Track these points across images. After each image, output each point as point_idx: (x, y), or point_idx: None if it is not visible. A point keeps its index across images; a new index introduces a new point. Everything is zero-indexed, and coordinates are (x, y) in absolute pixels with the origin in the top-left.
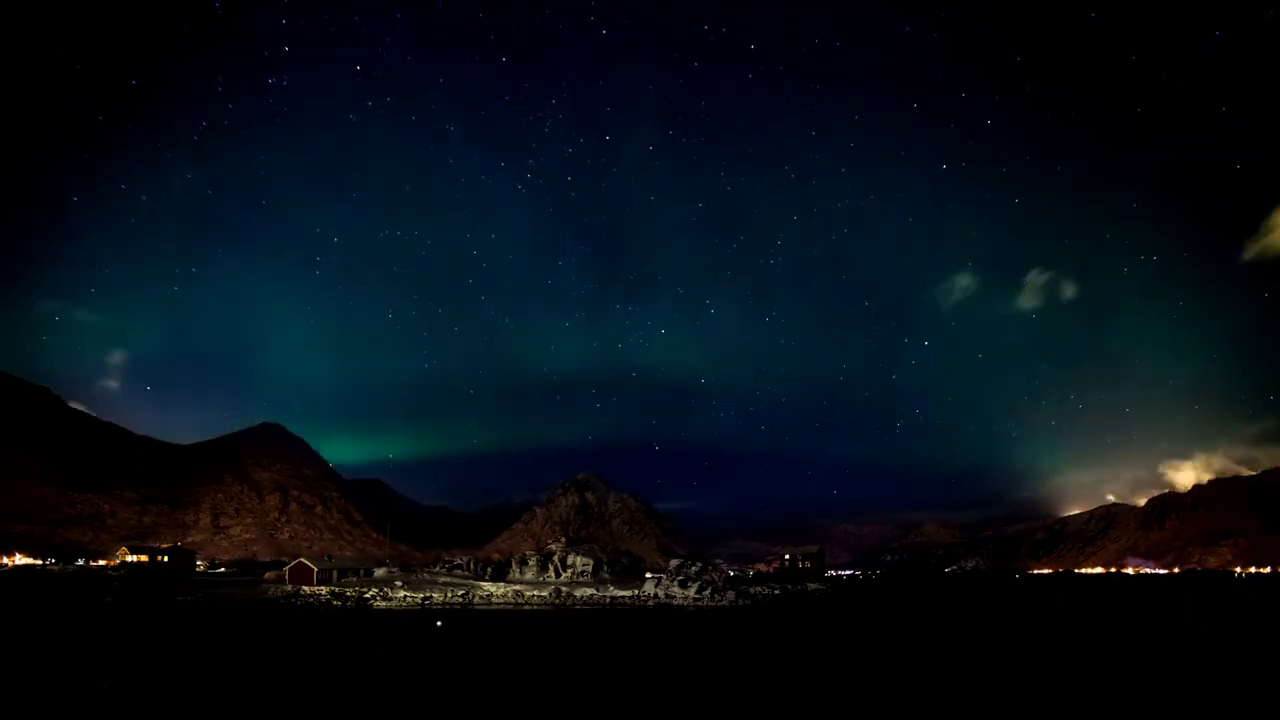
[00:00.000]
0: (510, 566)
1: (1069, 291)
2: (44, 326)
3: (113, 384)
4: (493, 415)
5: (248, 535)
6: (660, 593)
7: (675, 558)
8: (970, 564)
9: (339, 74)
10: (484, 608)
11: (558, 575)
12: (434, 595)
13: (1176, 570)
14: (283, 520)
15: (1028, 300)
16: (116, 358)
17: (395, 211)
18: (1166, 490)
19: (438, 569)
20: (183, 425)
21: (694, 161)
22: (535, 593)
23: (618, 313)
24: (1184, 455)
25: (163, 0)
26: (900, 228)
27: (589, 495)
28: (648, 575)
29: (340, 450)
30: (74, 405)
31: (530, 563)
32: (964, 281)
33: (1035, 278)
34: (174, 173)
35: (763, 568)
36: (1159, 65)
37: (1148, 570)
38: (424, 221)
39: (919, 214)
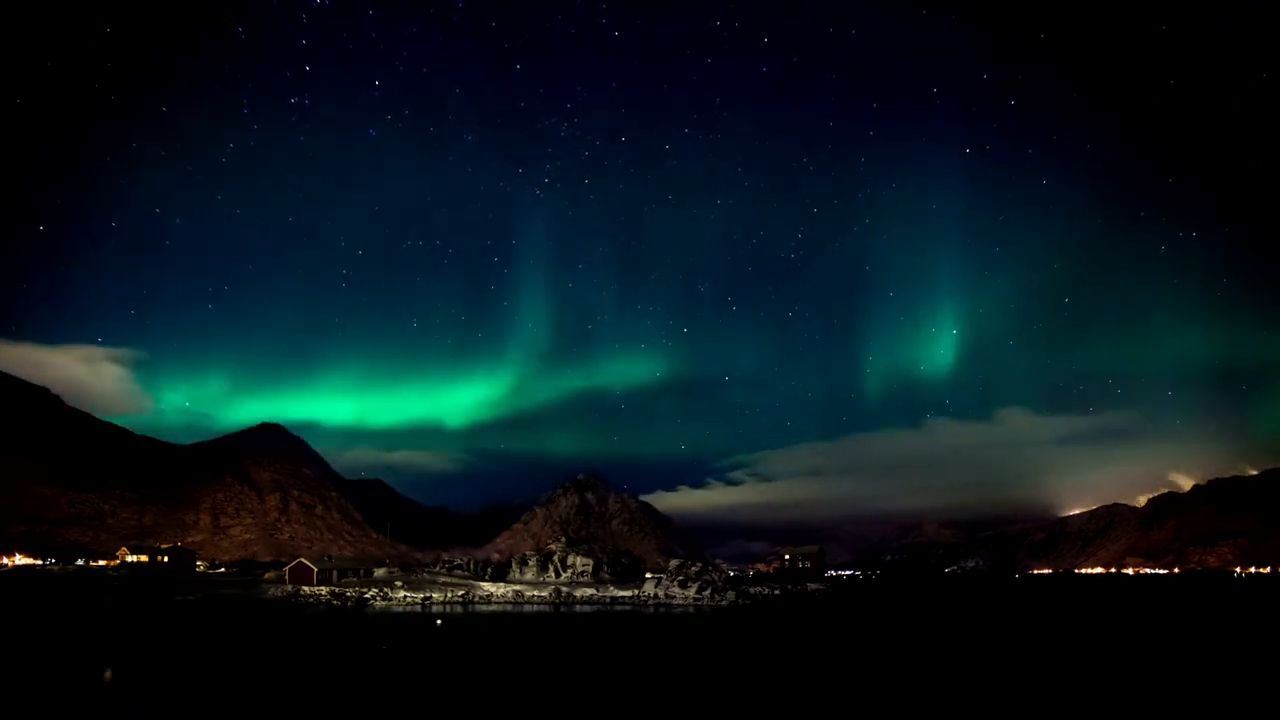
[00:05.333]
0: (510, 566)
1: (1097, 279)
2: (82, 352)
3: (118, 387)
4: (515, 419)
5: (248, 535)
6: (660, 593)
7: (675, 558)
8: (970, 564)
9: (358, 90)
10: (485, 609)
11: (558, 575)
12: (434, 595)
13: (1176, 570)
14: (283, 520)
15: (1055, 290)
16: (131, 364)
17: (417, 222)
18: (1166, 490)
19: (438, 569)
20: (183, 425)
21: (710, 158)
22: (535, 593)
23: (639, 312)
24: (1184, 455)
25: (188, 28)
26: (924, 216)
27: (589, 495)
28: (648, 575)
29: (351, 455)
30: (73, 406)
31: (530, 563)
32: (992, 268)
33: (1064, 265)
34: (204, 195)
35: (763, 568)
36: (1191, 34)
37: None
38: (445, 230)
39: (942, 201)
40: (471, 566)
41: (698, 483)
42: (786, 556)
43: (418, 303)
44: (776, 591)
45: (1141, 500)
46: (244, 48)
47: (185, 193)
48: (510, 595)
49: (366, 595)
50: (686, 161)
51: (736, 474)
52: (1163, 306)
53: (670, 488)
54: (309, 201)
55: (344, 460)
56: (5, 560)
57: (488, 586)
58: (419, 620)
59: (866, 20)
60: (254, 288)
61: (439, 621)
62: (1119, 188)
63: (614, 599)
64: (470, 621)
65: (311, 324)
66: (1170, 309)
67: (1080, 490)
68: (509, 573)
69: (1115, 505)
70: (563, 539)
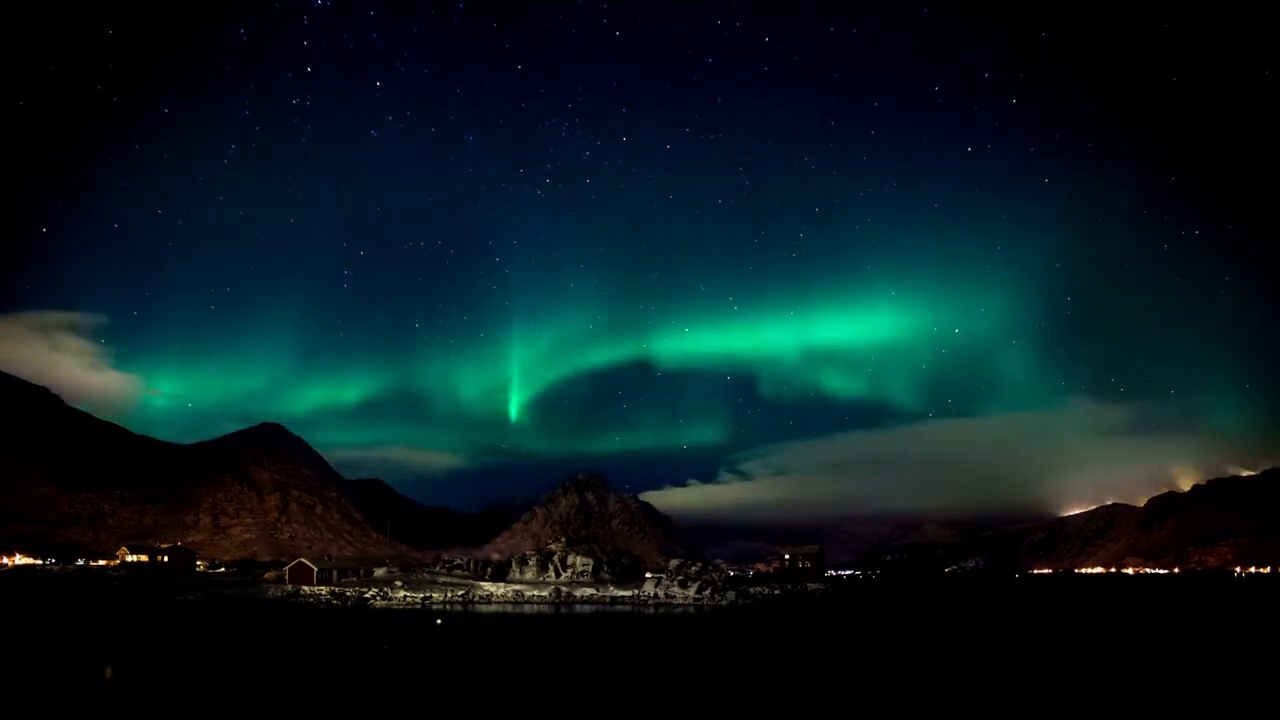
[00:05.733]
0: (510, 566)
1: (1099, 279)
2: (81, 352)
3: (119, 388)
4: (516, 418)
5: (248, 535)
6: (660, 593)
7: (675, 557)
8: (970, 564)
9: (359, 91)
10: (485, 608)
11: (558, 575)
12: (434, 595)
13: (1176, 570)
14: (283, 520)
15: (1055, 289)
16: (131, 364)
17: (417, 222)
18: (1166, 490)
19: (438, 569)
20: (183, 425)
21: (712, 158)
22: (535, 593)
23: (640, 312)
24: (1184, 455)
25: (189, 29)
26: (926, 214)
27: (589, 495)
28: (648, 575)
29: (351, 454)
30: (74, 406)
31: (530, 563)
32: (992, 267)
33: (1065, 264)
34: (205, 195)
35: (763, 568)
36: (1192, 33)
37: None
38: (445, 230)
39: (945, 199)
40: (471, 566)
41: (709, 478)
42: (786, 556)
43: (418, 303)
44: (776, 591)
45: (1141, 500)
46: (245, 48)
47: (186, 193)
48: (510, 595)
49: (366, 595)
50: (686, 161)
51: (750, 466)
52: (1163, 306)
53: (680, 483)
54: (310, 202)
55: (344, 460)
56: (5, 560)
57: (488, 586)
58: (419, 620)
59: (866, 20)
60: (255, 288)
61: (439, 621)
62: (1120, 187)
63: (614, 599)
64: (470, 621)
65: (312, 324)
66: (1171, 308)
67: (1080, 490)
68: (509, 572)
69: (1115, 505)
70: (563, 539)
